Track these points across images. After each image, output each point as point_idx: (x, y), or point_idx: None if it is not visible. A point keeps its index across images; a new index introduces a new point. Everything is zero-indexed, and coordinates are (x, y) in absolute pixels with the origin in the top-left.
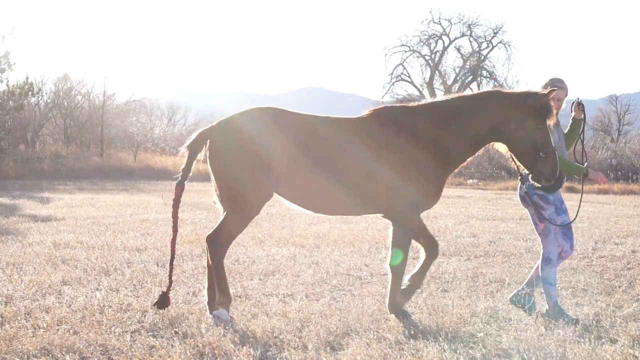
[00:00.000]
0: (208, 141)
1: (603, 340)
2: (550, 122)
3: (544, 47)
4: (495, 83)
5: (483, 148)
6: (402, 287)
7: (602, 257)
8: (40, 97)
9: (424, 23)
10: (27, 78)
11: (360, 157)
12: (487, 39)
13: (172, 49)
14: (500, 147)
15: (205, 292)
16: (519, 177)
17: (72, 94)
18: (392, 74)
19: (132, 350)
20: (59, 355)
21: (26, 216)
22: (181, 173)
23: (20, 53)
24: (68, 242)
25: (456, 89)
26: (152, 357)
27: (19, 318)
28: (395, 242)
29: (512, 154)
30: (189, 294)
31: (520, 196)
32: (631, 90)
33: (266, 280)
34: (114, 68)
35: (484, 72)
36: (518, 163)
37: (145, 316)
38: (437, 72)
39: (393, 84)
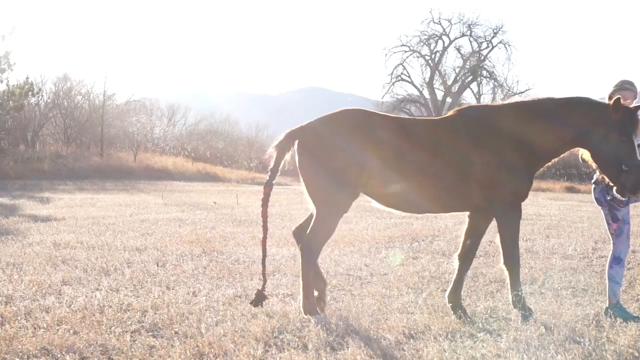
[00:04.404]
0: (296, 142)
1: (603, 340)
2: (637, 136)
3: (544, 47)
4: (495, 83)
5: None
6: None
7: (602, 257)
8: (40, 97)
9: (423, 23)
10: (27, 78)
11: (452, 158)
12: (487, 39)
13: (172, 49)
14: (586, 155)
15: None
16: (593, 182)
17: (72, 94)
18: (392, 74)
19: (132, 350)
20: (59, 355)
21: (26, 216)
22: (269, 173)
23: (20, 53)
24: (68, 242)
25: (456, 89)
26: (152, 357)
27: (19, 318)
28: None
29: (596, 164)
30: (189, 294)
31: (596, 198)
32: None
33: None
34: (114, 68)
35: (484, 72)
36: (602, 175)
37: (145, 316)
38: (437, 72)
39: (393, 84)
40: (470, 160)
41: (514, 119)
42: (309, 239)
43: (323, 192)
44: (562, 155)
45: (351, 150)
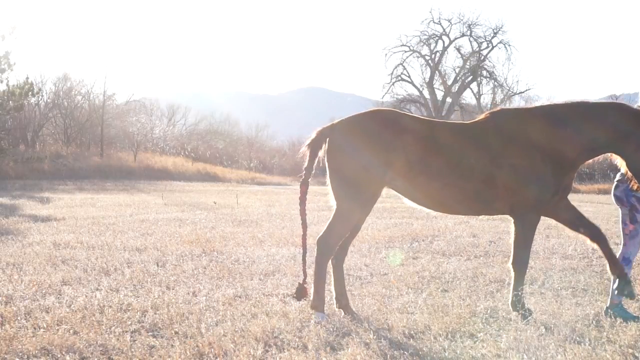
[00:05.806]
0: (327, 139)
1: (603, 340)
2: None
3: (544, 47)
4: (495, 83)
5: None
6: (614, 286)
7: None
8: (40, 97)
9: (423, 23)
10: (27, 78)
11: (479, 161)
12: (487, 39)
13: (172, 49)
14: (619, 162)
15: (332, 288)
16: (616, 179)
17: (72, 94)
18: (392, 74)
19: (132, 350)
20: (59, 355)
21: (26, 216)
22: (304, 172)
23: (20, 53)
24: (68, 242)
25: (456, 89)
26: (152, 357)
27: (19, 318)
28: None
29: (629, 172)
30: (189, 294)
31: (616, 196)
32: (631, 90)
33: (266, 280)
34: (114, 68)
35: (484, 72)
36: (636, 183)
37: (145, 316)
38: (437, 72)
39: (393, 84)
40: (496, 164)
41: (544, 122)
42: (326, 234)
43: (346, 188)
44: (595, 159)
45: (378, 151)
